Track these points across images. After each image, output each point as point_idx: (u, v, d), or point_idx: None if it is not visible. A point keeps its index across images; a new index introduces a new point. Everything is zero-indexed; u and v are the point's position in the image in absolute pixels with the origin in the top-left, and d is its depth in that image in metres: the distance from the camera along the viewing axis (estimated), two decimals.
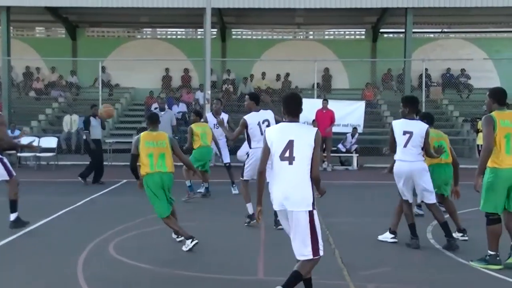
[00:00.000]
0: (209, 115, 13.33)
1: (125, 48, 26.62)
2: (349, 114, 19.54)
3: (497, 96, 6.86)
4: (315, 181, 5.21)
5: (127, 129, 22.38)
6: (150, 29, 28.25)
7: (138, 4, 21.11)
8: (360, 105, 19.71)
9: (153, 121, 7.83)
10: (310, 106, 18.47)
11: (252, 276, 6.56)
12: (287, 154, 5.14)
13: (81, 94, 25.96)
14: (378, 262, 7.12)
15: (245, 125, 9.11)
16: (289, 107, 5.35)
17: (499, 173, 6.69)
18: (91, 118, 14.60)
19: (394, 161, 7.91)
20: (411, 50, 21.69)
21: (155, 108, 19.08)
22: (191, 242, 7.51)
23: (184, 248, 7.52)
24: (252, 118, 9.13)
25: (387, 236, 8.17)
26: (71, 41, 26.95)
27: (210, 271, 6.69)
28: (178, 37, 27.95)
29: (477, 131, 17.31)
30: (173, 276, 6.56)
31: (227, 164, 12.92)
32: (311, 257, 5.12)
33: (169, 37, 27.87)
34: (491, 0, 20.60)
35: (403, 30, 22.00)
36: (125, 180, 14.42)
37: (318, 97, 21.03)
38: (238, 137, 9.57)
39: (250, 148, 9.21)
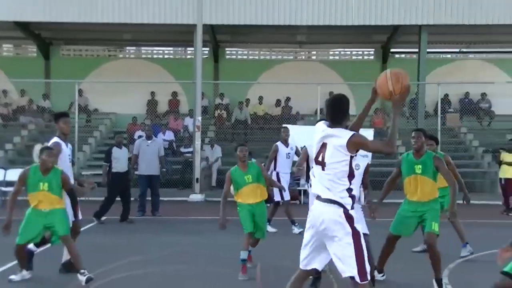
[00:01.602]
0: (279, 144, 13.52)
1: (105, 69, 26.88)
2: None
3: None
4: None
5: None
6: (133, 48, 28.55)
7: (120, 20, 21.28)
8: (369, 134, 19.73)
9: None
10: (313, 134, 18.82)
11: None
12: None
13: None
14: None
15: None
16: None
17: None
18: (115, 149, 14.76)
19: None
20: (425, 72, 22.10)
21: (139, 137, 19.11)
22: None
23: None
24: None
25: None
26: (43, 61, 27.20)
27: None
28: (166, 56, 28.25)
29: (500, 163, 17.60)
30: None
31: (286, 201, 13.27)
32: None
33: (155, 56, 28.16)
34: None
35: (417, 50, 22.43)
36: (103, 217, 14.43)
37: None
38: None
39: None
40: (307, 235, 5.70)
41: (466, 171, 19.89)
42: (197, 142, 19.96)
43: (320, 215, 5.51)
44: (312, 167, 5.97)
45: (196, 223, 14.66)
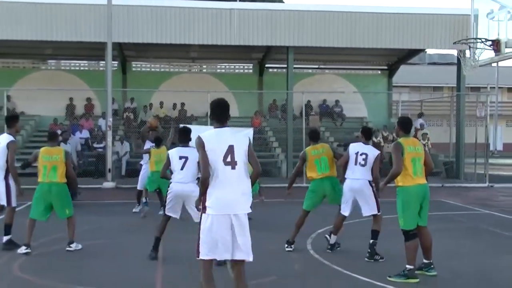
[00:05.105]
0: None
1: (30, 79, 25.45)
2: None
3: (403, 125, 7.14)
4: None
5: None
6: (54, 61, 27.31)
7: (42, 38, 20.50)
8: (249, 131, 19.68)
9: (51, 138, 8.84)
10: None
11: None
12: (228, 159, 4.92)
13: None
14: (264, 272, 7.19)
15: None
16: (216, 112, 5.17)
17: (409, 190, 6.82)
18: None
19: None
20: (292, 83, 22.34)
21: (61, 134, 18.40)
22: (25, 249, 8.10)
23: (19, 251, 8.08)
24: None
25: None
26: None
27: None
28: (82, 68, 27.14)
29: None
30: None
31: None
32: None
33: (72, 68, 26.96)
34: (359, 42, 21.64)
35: (286, 66, 22.62)
36: (29, 202, 13.68)
37: (211, 124, 21.12)
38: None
39: None
40: None
41: None
42: (109, 139, 19.29)
43: None
44: None
45: (109, 206, 14.22)
